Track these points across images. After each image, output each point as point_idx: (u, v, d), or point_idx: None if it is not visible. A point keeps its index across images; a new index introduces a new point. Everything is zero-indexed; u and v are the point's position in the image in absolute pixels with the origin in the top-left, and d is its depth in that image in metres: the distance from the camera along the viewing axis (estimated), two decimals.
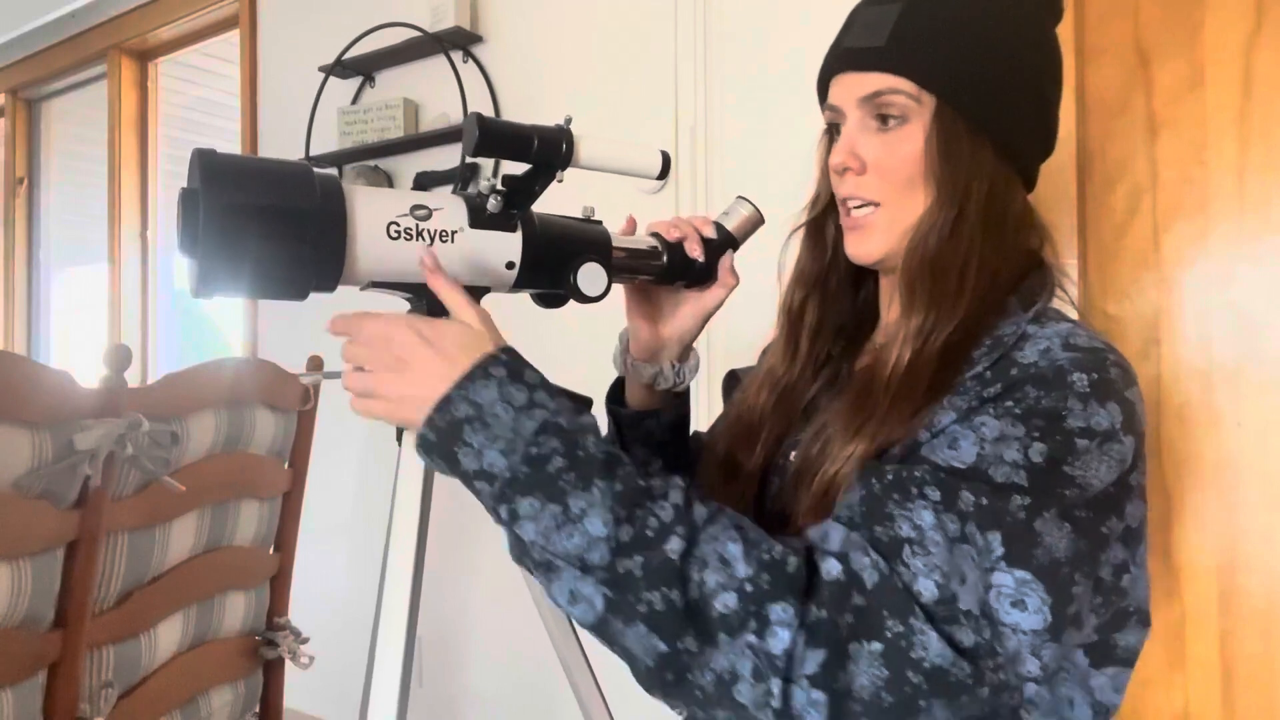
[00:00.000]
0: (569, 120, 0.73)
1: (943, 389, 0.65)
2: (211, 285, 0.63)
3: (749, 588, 0.55)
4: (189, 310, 3.20)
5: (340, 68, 2.24)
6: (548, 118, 0.72)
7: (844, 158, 0.71)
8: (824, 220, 0.80)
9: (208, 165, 0.62)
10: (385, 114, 2.17)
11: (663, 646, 0.55)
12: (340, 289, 0.70)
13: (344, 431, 2.24)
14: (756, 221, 0.87)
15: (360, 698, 0.96)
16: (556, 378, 0.65)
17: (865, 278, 0.82)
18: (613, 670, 1.05)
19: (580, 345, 1.57)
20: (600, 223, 0.80)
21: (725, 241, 0.84)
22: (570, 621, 0.91)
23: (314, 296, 0.69)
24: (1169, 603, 1.31)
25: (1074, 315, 0.73)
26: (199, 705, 1.37)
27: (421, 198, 0.70)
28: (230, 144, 2.91)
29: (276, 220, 0.63)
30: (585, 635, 0.92)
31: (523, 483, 0.57)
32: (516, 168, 0.71)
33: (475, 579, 2.09)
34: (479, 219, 0.71)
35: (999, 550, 0.56)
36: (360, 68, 2.26)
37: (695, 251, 0.82)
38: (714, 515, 0.59)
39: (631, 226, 0.85)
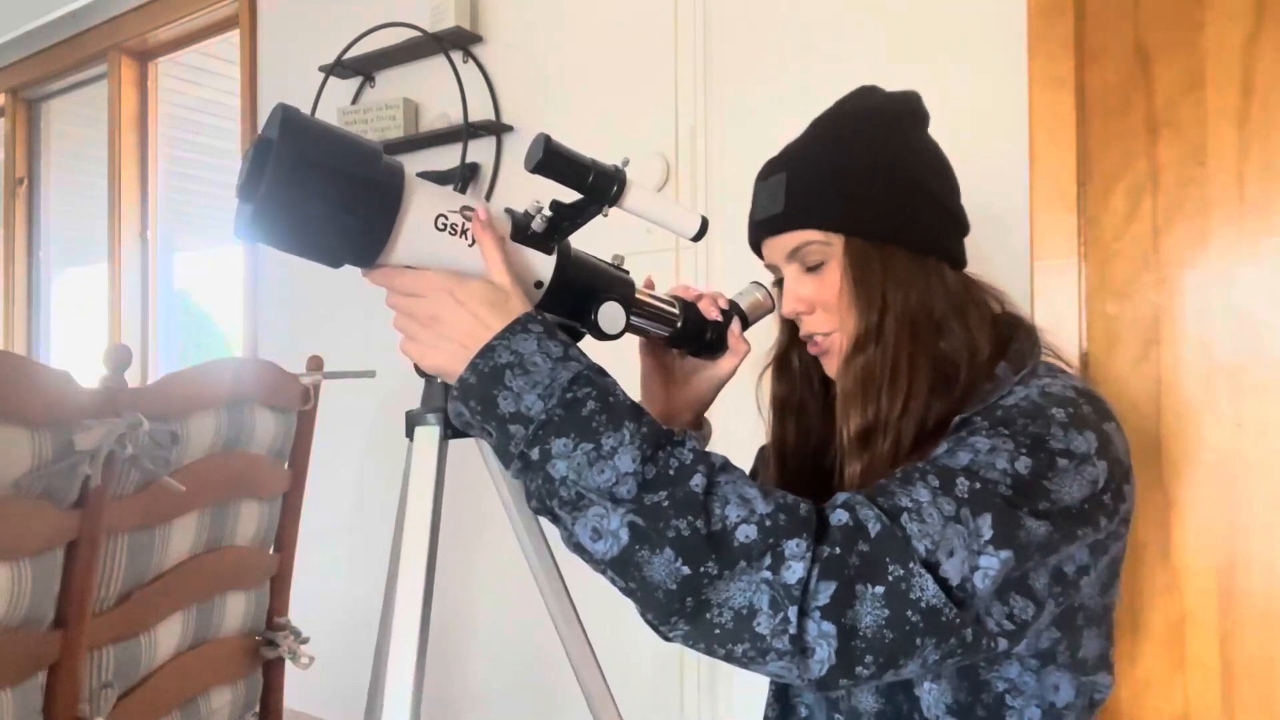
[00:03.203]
0: (625, 162, 0.77)
1: (932, 441, 0.72)
2: (257, 231, 0.65)
3: (768, 522, 0.60)
4: (189, 310, 3.20)
5: (340, 68, 2.24)
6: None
7: (792, 305, 0.83)
8: (789, 353, 0.90)
9: (287, 118, 0.65)
10: (385, 114, 2.17)
11: (686, 570, 0.59)
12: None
13: (344, 431, 2.24)
14: (768, 307, 0.94)
15: (364, 698, 0.96)
16: None
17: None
18: (617, 669, 1.06)
19: None
20: (628, 272, 0.84)
21: (733, 315, 0.90)
22: (576, 614, 0.91)
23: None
24: (1169, 603, 1.31)
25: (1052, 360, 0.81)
26: (199, 705, 1.37)
27: (472, 202, 0.73)
28: (230, 144, 2.91)
29: (338, 183, 0.65)
30: (590, 635, 0.92)
31: (557, 424, 0.62)
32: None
33: (478, 578, 2.09)
34: (520, 234, 0.75)
35: (988, 534, 0.62)
36: (360, 68, 2.26)
37: (713, 312, 0.88)
38: (728, 463, 0.66)
39: (650, 284, 0.91)
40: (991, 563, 0.62)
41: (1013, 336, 0.79)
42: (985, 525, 0.62)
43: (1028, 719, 0.73)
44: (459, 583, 2.11)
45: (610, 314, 0.79)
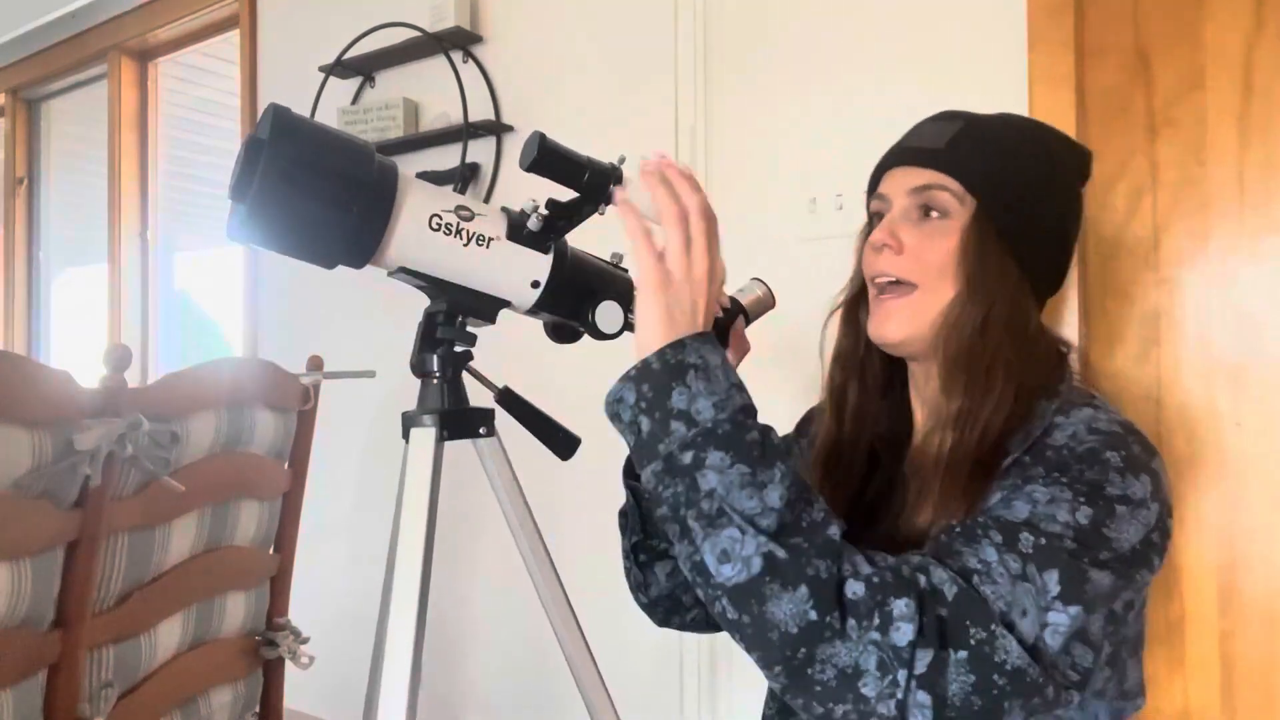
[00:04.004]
0: (622, 160, 0.76)
1: (986, 475, 0.70)
2: (249, 232, 0.65)
3: (875, 579, 0.59)
4: (189, 310, 3.20)
5: (340, 68, 2.24)
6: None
7: (884, 236, 0.78)
8: (857, 303, 0.86)
9: (279, 119, 0.65)
10: (385, 114, 2.17)
11: (814, 615, 0.58)
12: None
13: (344, 431, 2.24)
14: (769, 304, 0.93)
15: (362, 697, 0.96)
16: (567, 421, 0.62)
17: (899, 371, 0.86)
18: (617, 670, 1.05)
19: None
20: (627, 270, 0.83)
21: (737, 311, 0.88)
22: (574, 614, 0.91)
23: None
24: (1169, 603, 1.31)
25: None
26: (199, 705, 1.37)
27: (467, 202, 0.72)
28: (230, 144, 2.91)
29: (330, 183, 0.65)
30: (589, 635, 0.92)
31: (721, 438, 0.62)
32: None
33: (476, 579, 2.09)
34: (516, 234, 0.74)
35: (1055, 590, 0.61)
36: (360, 68, 2.26)
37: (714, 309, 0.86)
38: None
39: None
40: (1061, 619, 0.61)
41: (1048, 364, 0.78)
42: (1052, 581, 0.61)
43: None
44: (457, 583, 2.11)
45: (608, 313, 0.79)
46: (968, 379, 0.73)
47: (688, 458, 0.62)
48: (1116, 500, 0.65)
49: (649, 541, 0.90)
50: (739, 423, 0.63)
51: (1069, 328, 1.35)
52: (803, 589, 0.58)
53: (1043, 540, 0.62)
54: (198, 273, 3.17)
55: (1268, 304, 1.24)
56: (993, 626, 0.58)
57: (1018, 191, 0.76)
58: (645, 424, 0.64)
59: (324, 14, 2.40)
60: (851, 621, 0.58)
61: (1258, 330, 1.25)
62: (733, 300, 0.90)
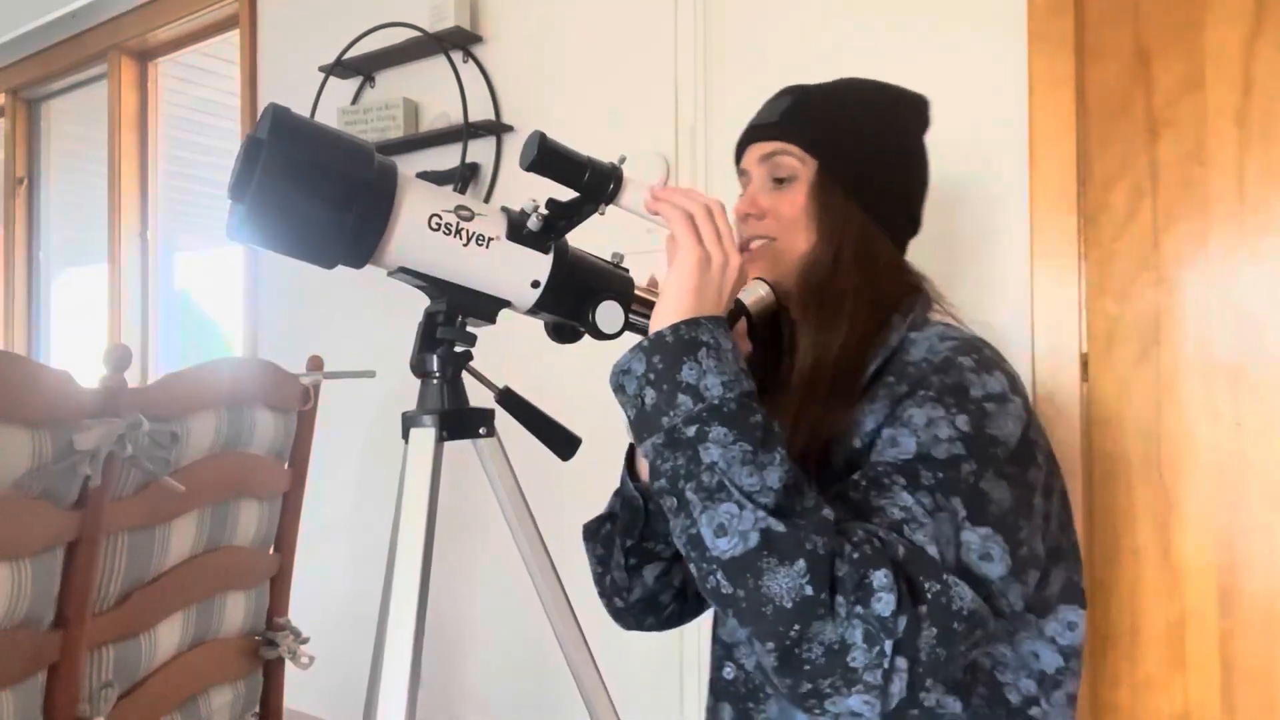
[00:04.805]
0: (623, 160, 0.77)
1: (849, 389, 0.76)
2: (249, 232, 0.66)
3: (855, 555, 0.60)
4: (189, 310, 3.20)
5: (340, 68, 2.24)
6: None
7: (746, 206, 0.87)
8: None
9: (278, 118, 0.65)
10: (385, 114, 2.17)
11: (810, 590, 0.59)
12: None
13: (344, 431, 2.24)
14: (772, 304, 0.92)
15: (362, 697, 0.96)
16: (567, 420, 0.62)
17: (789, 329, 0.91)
18: (617, 670, 1.06)
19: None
20: (628, 270, 0.84)
21: (739, 312, 0.88)
22: (573, 614, 0.91)
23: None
24: (1169, 603, 1.31)
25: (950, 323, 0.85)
26: (199, 705, 1.37)
27: (467, 202, 0.72)
28: (230, 144, 2.91)
29: (329, 183, 0.65)
30: (589, 635, 0.92)
31: (726, 415, 0.64)
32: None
33: (476, 579, 2.09)
34: (516, 234, 0.75)
35: (962, 512, 0.65)
36: (360, 68, 2.26)
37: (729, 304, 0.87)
38: None
39: (652, 283, 0.91)
40: (972, 538, 0.64)
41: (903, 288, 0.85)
42: (959, 504, 0.65)
43: (1024, 690, 0.74)
44: (457, 583, 2.11)
45: (609, 313, 0.79)
46: (821, 308, 0.80)
47: (691, 431, 0.63)
48: (983, 400, 0.70)
49: (644, 544, 0.89)
50: (745, 404, 0.65)
51: (1069, 327, 1.35)
52: (800, 563, 0.59)
53: (940, 473, 0.66)
54: (198, 273, 3.17)
55: (1268, 304, 1.24)
56: (945, 576, 0.61)
57: (852, 146, 0.83)
58: (650, 396, 0.65)
59: (324, 14, 2.40)
60: (840, 599, 0.59)
61: (1258, 330, 1.25)
62: (735, 302, 0.90)
